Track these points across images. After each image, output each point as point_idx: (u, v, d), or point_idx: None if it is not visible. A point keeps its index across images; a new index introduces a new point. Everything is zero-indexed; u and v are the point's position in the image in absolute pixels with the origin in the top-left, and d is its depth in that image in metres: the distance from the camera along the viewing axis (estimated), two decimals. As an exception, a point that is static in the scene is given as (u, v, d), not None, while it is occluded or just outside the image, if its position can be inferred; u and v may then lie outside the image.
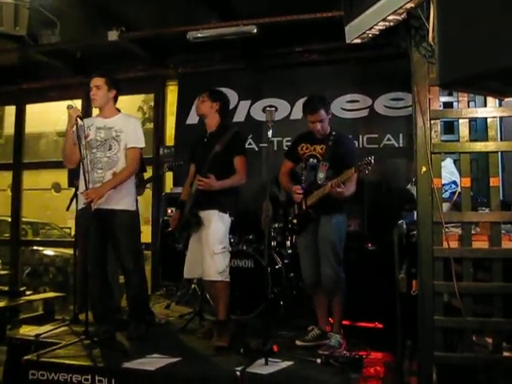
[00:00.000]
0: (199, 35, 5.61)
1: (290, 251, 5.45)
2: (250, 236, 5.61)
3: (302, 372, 3.50)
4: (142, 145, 4.19)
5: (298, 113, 6.29)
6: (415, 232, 3.23)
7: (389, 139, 6.29)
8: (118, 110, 4.32)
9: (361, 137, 6.33)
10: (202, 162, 4.24)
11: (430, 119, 2.73)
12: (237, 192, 4.37)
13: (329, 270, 4.00)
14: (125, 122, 4.21)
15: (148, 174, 5.55)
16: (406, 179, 6.02)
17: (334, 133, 4.23)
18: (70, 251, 7.52)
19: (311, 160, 4.21)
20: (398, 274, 2.98)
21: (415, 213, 3.53)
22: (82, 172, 4.08)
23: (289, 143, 5.06)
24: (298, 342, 4.09)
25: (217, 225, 4.16)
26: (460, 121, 2.80)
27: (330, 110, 4.22)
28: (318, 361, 3.61)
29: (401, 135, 6.27)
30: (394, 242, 3.10)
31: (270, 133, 3.88)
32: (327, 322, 4.18)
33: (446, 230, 2.74)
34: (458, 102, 2.95)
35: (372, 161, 3.63)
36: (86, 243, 4.18)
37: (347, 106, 6.47)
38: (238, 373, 3.34)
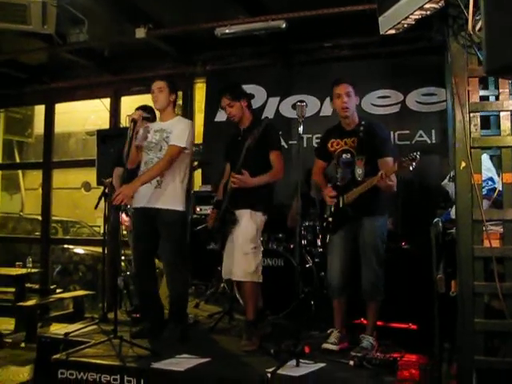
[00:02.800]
0: (227, 31, 5.53)
1: (320, 250, 5.35)
2: (279, 235, 5.54)
3: (335, 374, 3.40)
4: (183, 144, 4.15)
5: (327, 109, 6.17)
6: (452, 230, 3.12)
7: (421, 135, 6.15)
8: (177, 115, 4.43)
9: (392, 133, 6.13)
10: (236, 158, 4.14)
11: (470, 112, 2.61)
12: (271, 189, 4.28)
13: (371, 274, 3.87)
14: (177, 123, 4.26)
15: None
16: (439, 176, 5.88)
17: (363, 122, 4.01)
18: (100, 249, 7.59)
19: (344, 156, 4.02)
20: (436, 273, 2.86)
21: (451, 210, 3.43)
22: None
23: (318, 140, 4.89)
24: (324, 346, 3.92)
25: (248, 224, 4.09)
26: (501, 114, 2.66)
27: (357, 95, 4.03)
28: (351, 363, 3.50)
29: (433, 131, 6.11)
30: (431, 241, 2.98)
31: (300, 129, 3.78)
32: (344, 324, 4.06)
33: (487, 228, 2.61)
34: (496, 95, 2.81)
35: (418, 156, 3.45)
36: (136, 243, 4.33)
37: (378, 101, 6.33)
38: (269, 374, 3.26)
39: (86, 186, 10.58)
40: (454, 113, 2.64)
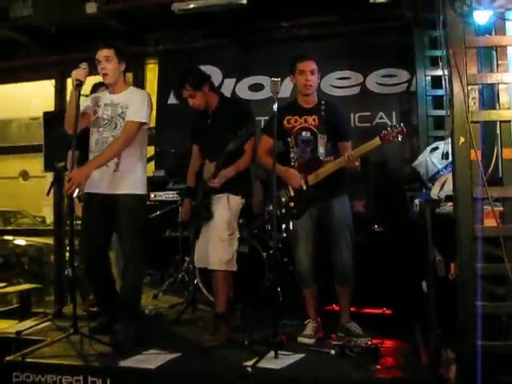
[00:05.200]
0: (185, 7, 5.24)
1: (284, 235, 5.16)
2: (239, 220, 5.32)
3: (318, 365, 3.24)
4: (142, 119, 3.72)
5: (287, 90, 5.96)
6: (439, 210, 2.99)
7: (381, 117, 6.05)
8: (128, 85, 3.95)
9: (352, 115, 6.04)
10: (212, 151, 3.89)
11: (468, 84, 2.46)
12: (248, 171, 4.03)
13: (347, 256, 3.72)
14: (131, 96, 3.80)
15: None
16: (400, 158, 5.84)
17: (323, 101, 3.89)
18: (44, 240, 7.18)
19: (304, 133, 3.83)
20: (433, 255, 2.71)
21: (433, 190, 3.33)
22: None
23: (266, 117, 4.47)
24: (300, 339, 3.72)
25: (224, 209, 3.87)
26: (500, 86, 2.53)
27: (319, 73, 3.86)
28: (332, 352, 3.35)
29: (394, 113, 6.04)
30: (405, 224, 2.84)
31: (275, 106, 3.58)
32: (318, 313, 3.91)
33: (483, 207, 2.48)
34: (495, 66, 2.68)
35: (404, 129, 3.36)
36: (89, 232, 3.85)
37: (337, 83, 6.20)
38: (249, 368, 3.05)
39: (24, 175, 10.06)
40: (450, 86, 2.49)
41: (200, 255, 4.05)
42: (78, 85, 3.57)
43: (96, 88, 4.60)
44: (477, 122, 2.47)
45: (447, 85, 2.70)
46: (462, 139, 2.42)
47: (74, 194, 3.88)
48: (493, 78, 2.55)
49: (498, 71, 2.58)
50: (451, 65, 2.47)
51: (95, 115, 3.83)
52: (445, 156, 3.67)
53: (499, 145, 2.57)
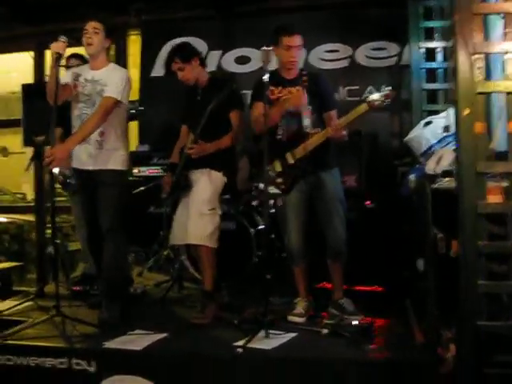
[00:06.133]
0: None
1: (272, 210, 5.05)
2: (225, 196, 5.20)
3: (311, 345, 3.16)
4: (119, 97, 3.67)
5: (272, 63, 5.82)
6: (436, 185, 2.89)
7: (371, 91, 5.90)
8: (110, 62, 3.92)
9: (341, 89, 5.92)
10: (196, 121, 3.76)
11: (473, 54, 2.33)
12: (233, 149, 3.95)
13: (341, 230, 3.63)
14: (111, 73, 3.77)
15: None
16: (390, 132, 5.74)
17: (304, 72, 3.78)
18: (25, 217, 7.00)
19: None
20: (432, 232, 2.61)
21: (427, 165, 3.22)
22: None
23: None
24: (291, 318, 3.64)
25: (205, 184, 3.78)
26: (507, 56, 2.41)
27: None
28: (325, 331, 3.26)
29: (383, 87, 5.87)
30: (423, 198, 2.73)
31: (266, 77, 3.44)
32: (309, 291, 3.82)
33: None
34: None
35: (391, 93, 3.27)
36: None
37: (326, 55, 6.03)
38: (240, 349, 2.95)
39: (4, 151, 9.79)
40: (455, 55, 2.35)
41: (176, 232, 3.96)
42: (58, 58, 3.58)
43: (69, 59, 4.55)
44: (483, 93, 2.35)
45: (451, 55, 2.56)
46: (467, 110, 2.30)
47: (55, 170, 3.84)
48: (500, 47, 2.42)
49: (505, 40, 2.46)
50: (456, 32, 2.34)
51: (75, 89, 3.80)
52: (445, 129, 3.55)
53: (504, 118, 2.46)
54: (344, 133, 3.55)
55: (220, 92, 3.70)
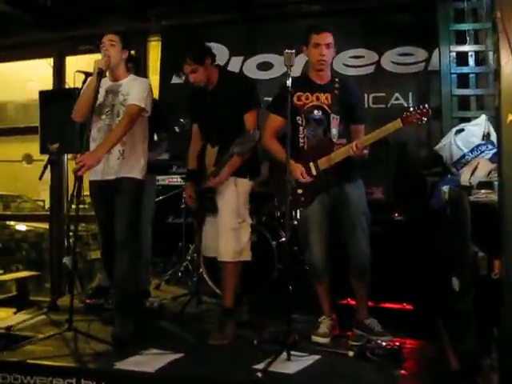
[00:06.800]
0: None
1: (295, 222, 4.85)
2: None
3: (336, 369, 2.93)
4: (143, 105, 3.57)
5: (297, 69, 5.64)
6: (472, 198, 2.67)
7: (397, 98, 5.70)
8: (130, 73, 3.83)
9: (366, 96, 5.70)
10: (213, 134, 3.64)
11: (518, 54, 2.11)
12: (256, 152, 3.67)
13: (365, 245, 3.41)
14: (132, 83, 3.70)
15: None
16: (418, 141, 5.51)
17: (337, 79, 3.56)
18: (45, 226, 6.92)
19: (316, 112, 3.49)
20: (473, 251, 2.39)
21: (462, 175, 3.02)
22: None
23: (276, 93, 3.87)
24: (315, 338, 3.42)
25: (232, 195, 3.58)
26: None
27: (335, 47, 3.53)
28: (351, 354, 3.04)
29: (410, 94, 5.68)
30: (464, 211, 2.51)
31: (288, 81, 3.25)
32: (333, 309, 3.61)
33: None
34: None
35: (429, 110, 3.05)
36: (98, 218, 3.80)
37: (350, 61, 5.84)
38: (259, 374, 2.74)
39: (28, 159, 9.79)
40: (497, 56, 2.14)
41: (208, 244, 3.80)
42: (100, 73, 3.55)
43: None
44: (528, 98, 2.13)
45: (490, 58, 2.34)
46: (511, 117, 2.09)
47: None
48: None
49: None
50: (499, 31, 2.12)
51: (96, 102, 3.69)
52: (486, 137, 3.32)
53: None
54: (365, 151, 3.34)
55: (232, 90, 3.55)
